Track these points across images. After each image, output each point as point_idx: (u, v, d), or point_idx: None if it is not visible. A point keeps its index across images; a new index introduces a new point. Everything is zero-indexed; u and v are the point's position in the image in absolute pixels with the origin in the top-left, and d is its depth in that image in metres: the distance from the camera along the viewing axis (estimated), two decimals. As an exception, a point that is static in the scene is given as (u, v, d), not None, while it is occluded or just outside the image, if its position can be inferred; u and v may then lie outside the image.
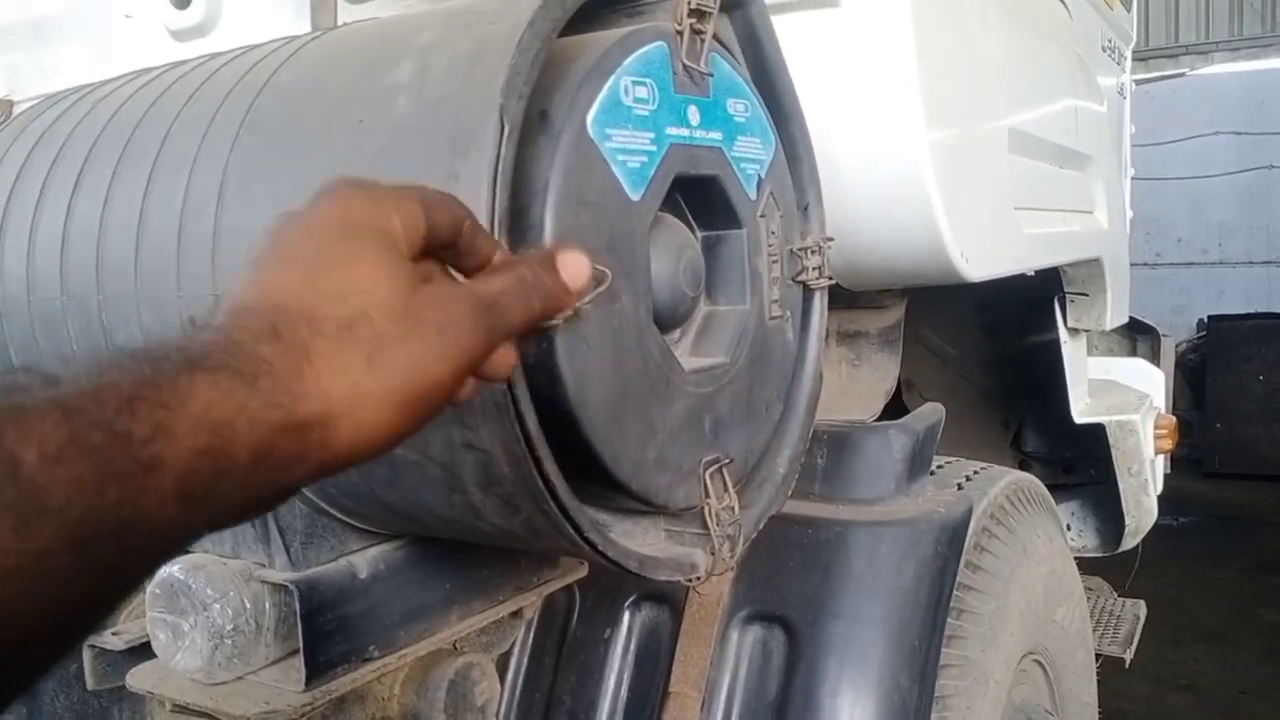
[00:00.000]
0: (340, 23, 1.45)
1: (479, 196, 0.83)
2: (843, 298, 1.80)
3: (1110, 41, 3.22)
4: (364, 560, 1.18)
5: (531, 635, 1.72)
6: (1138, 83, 3.96)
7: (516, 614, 1.41)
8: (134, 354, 0.50)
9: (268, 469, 0.52)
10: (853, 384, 1.99)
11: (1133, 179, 3.76)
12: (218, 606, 1.13)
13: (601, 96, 0.93)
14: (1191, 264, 11.15)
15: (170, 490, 0.47)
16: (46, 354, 1.23)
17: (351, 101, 0.96)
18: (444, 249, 0.66)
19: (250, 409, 0.50)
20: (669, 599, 1.64)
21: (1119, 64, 3.39)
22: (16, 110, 2.20)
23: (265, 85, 1.04)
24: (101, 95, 1.28)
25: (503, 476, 0.92)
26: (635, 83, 0.96)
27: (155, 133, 1.12)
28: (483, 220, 0.83)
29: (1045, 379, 2.90)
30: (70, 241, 1.16)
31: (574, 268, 0.69)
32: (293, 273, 0.57)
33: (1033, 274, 2.20)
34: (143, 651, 1.21)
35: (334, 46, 1.07)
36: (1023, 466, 3.20)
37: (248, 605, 1.14)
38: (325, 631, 1.12)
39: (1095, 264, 2.54)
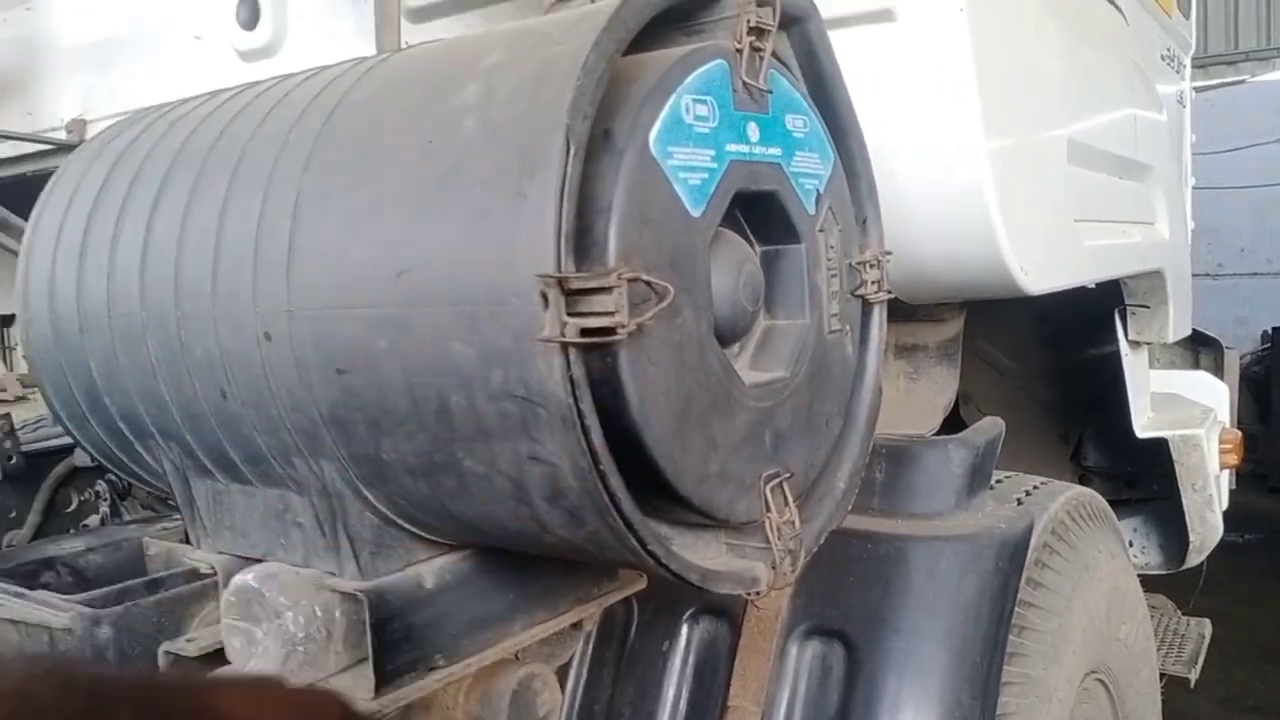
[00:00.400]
0: (404, 43, 1.49)
1: (546, 214, 0.85)
2: (901, 311, 1.80)
3: (1169, 49, 3.17)
4: (430, 570, 1.20)
5: (590, 647, 1.73)
6: (1197, 90, 3.90)
7: (577, 625, 1.42)
8: None
9: None
10: (911, 397, 1.98)
11: (1194, 188, 3.69)
12: (290, 614, 1.15)
13: (663, 115, 0.94)
14: (1255, 274, 10.89)
15: None
16: (126, 369, 1.27)
17: (421, 122, 0.98)
18: None
19: None
20: (727, 613, 1.65)
21: (1178, 72, 3.34)
22: (90, 129, 2.28)
23: (337, 106, 1.07)
24: (178, 115, 1.32)
25: (568, 489, 0.93)
26: (696, 101, 0.98)
27: (231, 152, 1.15)
28: (549, 237, 0.85)
29: (1106, 392, 2.86)
30: (149, 259, 1.20)
31: None
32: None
33: (1093, 286, 2.17)
34: (216, 658, 1.24)
35: (403, 68, 1.09)
36: (1082, 481, 3.15)
37: (319, 614, 1.16)
38: (393, 640, 1.14)
39: (1156, 275, 2.50)
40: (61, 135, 2.28)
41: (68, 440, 2.52)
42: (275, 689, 0.63)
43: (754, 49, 1.03)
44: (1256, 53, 11.50)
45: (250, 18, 1.87)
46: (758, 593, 1.12)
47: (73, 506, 2.59)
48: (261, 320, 1.07)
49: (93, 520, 2.61)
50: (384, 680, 1.12)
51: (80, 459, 2.54)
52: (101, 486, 2.61)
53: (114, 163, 1.35)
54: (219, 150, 1.19)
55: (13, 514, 2.48)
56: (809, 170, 1.13)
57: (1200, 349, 3.59)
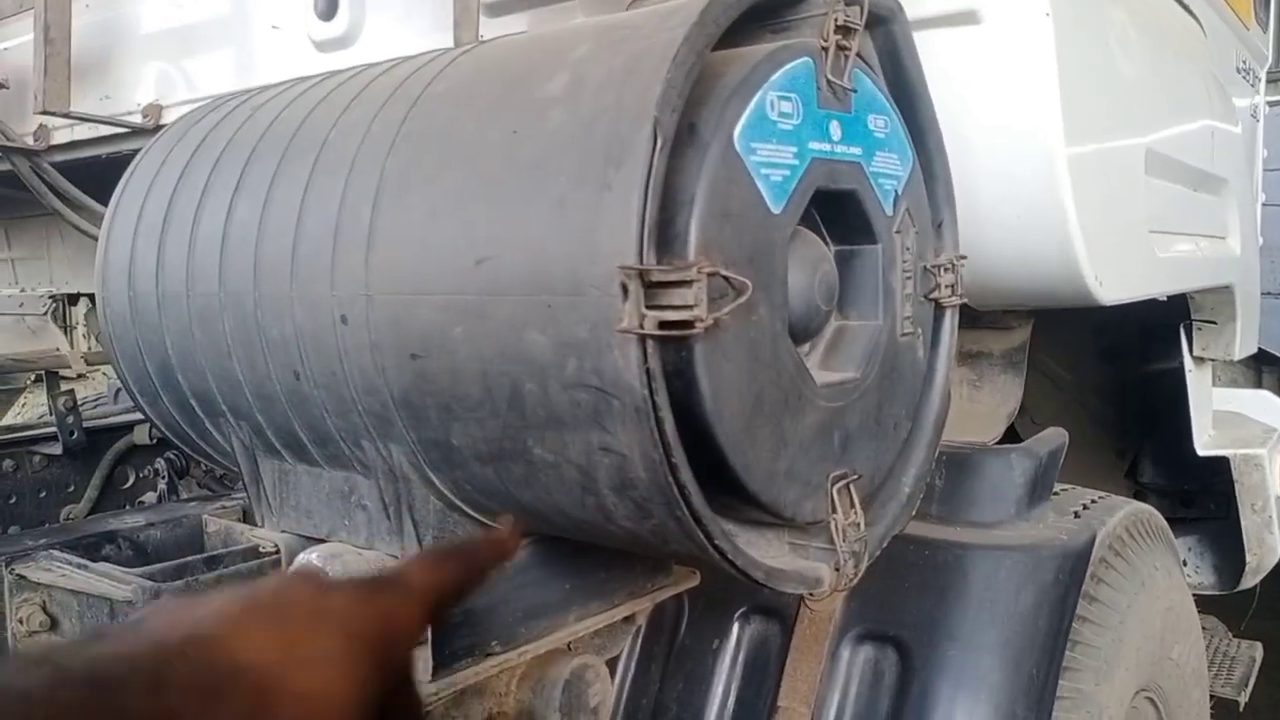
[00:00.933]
0: (481, 36, 1.50)
1: (630, 206, 0.85)
2: (967, 317, 1.78)
3: (1245, 62, 3.11)
4: (490, 557, 1.21)
5: (640, 641, 1.74)
6: (1270, 105, 3.81)
7: (629, 619, 1.42)
8: (24, 664, 0.45)
9: None
10: (973, 405, 1.96)
11: (1264, 205, 3.61)
12: (352, 595, 1.17)
13: (748, 111, 0.94)
14: (1320, 294, 10.65)
15: None
16: (201, 347, 1.29)
17: (505, 112, 0.99)
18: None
19: None
20: (779, 613, 1.64)
21: (1253, 85, 3.27)
22: (165, 115, 2.33)
23: (421, 95, 1.08)
24: (261, 102, 1.34)
25: (638, 480, 0.93)
26: (781, 98, 0.98)
27: (314, 138, 1.17)
28: (632, 229, 0.86)
29: (1165, 408, 2.81)
30: (230, 240, 1.22)
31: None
32: (274, 639, 0.52)
33: (1163, 299, 2.14)
34: (275, 635, 1.26)
35: (488, 59, 1.10)
36: (1138, 497, 3.10)
37: (380, 595, 1.18)
38: (452, 625, 1.15)
39: (1226, 291, 2.45)
40: (137, 119, 2.33)
41: (127, 417, 2.59)
42: (294, 605, 0.54)
43: (840, 48, 1.02)
44: (1329, 68, 11.24)
45: (329, 8, 1.89)
46: (819, 594, 1.12)
47: (130, 483, 2.64)
48: (339, 303, 1.09)
49: (149, 497, 2.66)
50: (441, 664, 1.13)
51: (140, 436, 2.60)
52: (160, 464, 2.67)
53: (196, 146, 1.38)
54: (301, 136, 1.21)
55: (71, 488, 2.54)
56: (888, 171, 1.12)
57: (1264, 368, 3.53)
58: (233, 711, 0.48)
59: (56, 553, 1.46)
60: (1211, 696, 2.69)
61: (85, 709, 0.43)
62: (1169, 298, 2.24)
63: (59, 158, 2.52)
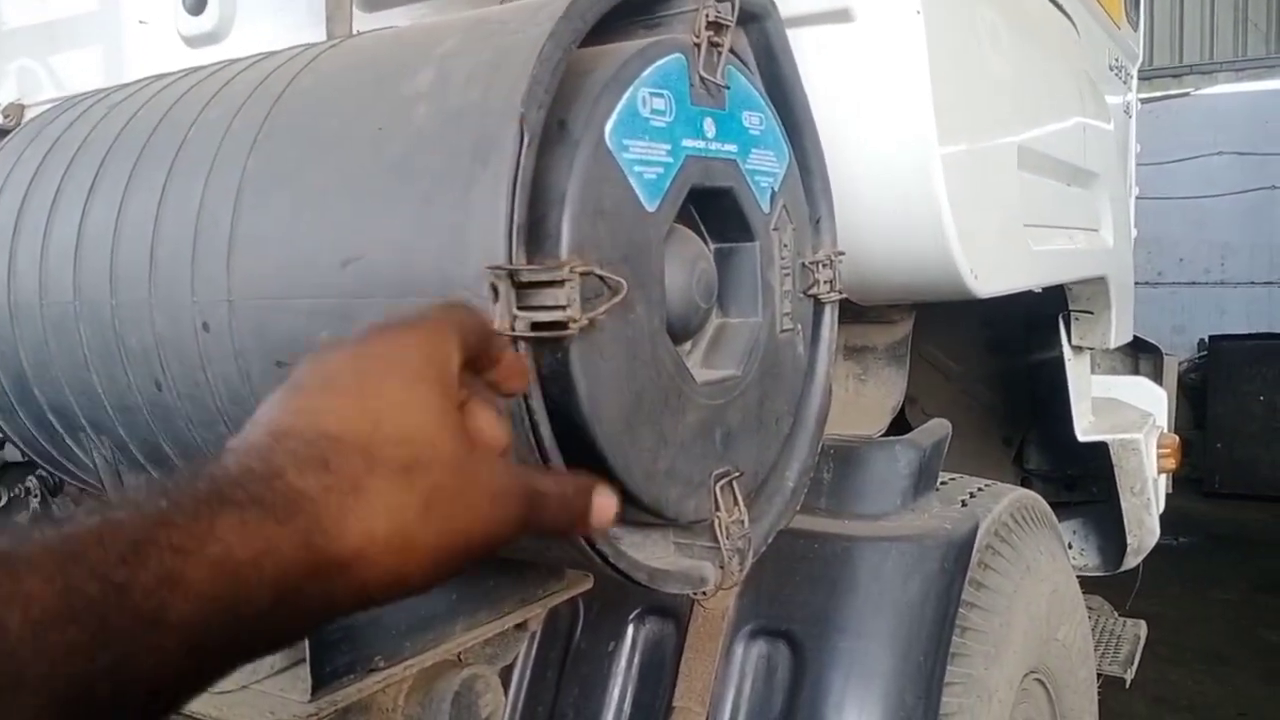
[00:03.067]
0: (355, 31, 1.46)
1: (498, 204, 0.83)
2: (849, 312, 1.80)
3: (1117, 60, 3.23)
4: (372, 569, 1.17)
5: (535, 648, 1.71)
6: (1142, 102, 3.97)
7: (521, 626, 1.40)
8: (154, 484, 0.46)
9: (289, 613, 0.47)
10: (859, 399, 1.99)
11: (1137, 198, 3.76)
12: (224, 613, 1.12)
13: (620, 107, 0.93)
14: (1193, 283, 11.17)
15: (175, 645, 0.42)
16: (57, 358, 1.23)
17: (371, 109, 0.96)
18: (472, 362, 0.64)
19: (280, 550, 0.46)
20: (673, 613, 1.64)
21: (1125, 83, 3.40)
22: (28, 114, 2.21)
23: (284, 92, 1.04)
24: (117, 100, 1.28)
25: (515, 486, 0.91)
26: (653, 94, 0.97)
27: (172, 138, 1.12)
28: (500, 228, 0.84)
29: (1048, 396, 2.90)
30: (84, 246, 1.16)
31: (604, 509, 0.66)
32: (348, 404, 0.53)
33: (1039, 291, 2.20)
34: (147, 657, 1.21)
35: (353, 54, 1.07)
36: (1024, 484, 3.20)
37: (254, 612, 1.13)
38: (331, 641, 1.11)
39: (1100, 282, 2.54)
40: (-3, 119, 2.21)
41: (-4, 434, 2.46)
42: (341, 375, 0.56)
43: (712, 44, 1.02)
44: (1200, 66, 11.79)
45: (197, 3, 1.82)
46: (705, 593, 1.11)
47: (2, 502, 2.51)
48: (200, 310, 1.04)
49: (22, 517, 2.53)
50: (321, 682, 1.09)
51: (10, 454, 2.47)
52: (32, 482, 2.54)
53: (49, 148, 1.31)
54: (159, 136, 1.15)
55: (-62, 510, 2.40)
56: (764, 168, 1.12)
57: (1140, 355, 3.67)
58: (350, 474, 0.50)
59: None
60: (1099, 674, 2.78)
61: (221, 500, 0.45)
62: (1046, 289, 2.30)
63: (-88, 160, 2.38)
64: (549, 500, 0.62)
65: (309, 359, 0.58)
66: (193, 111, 1.13)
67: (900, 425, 2.18)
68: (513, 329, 0.84)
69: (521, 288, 0.84)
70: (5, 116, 2.23)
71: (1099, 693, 2.55)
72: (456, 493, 0.54)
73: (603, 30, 0.96)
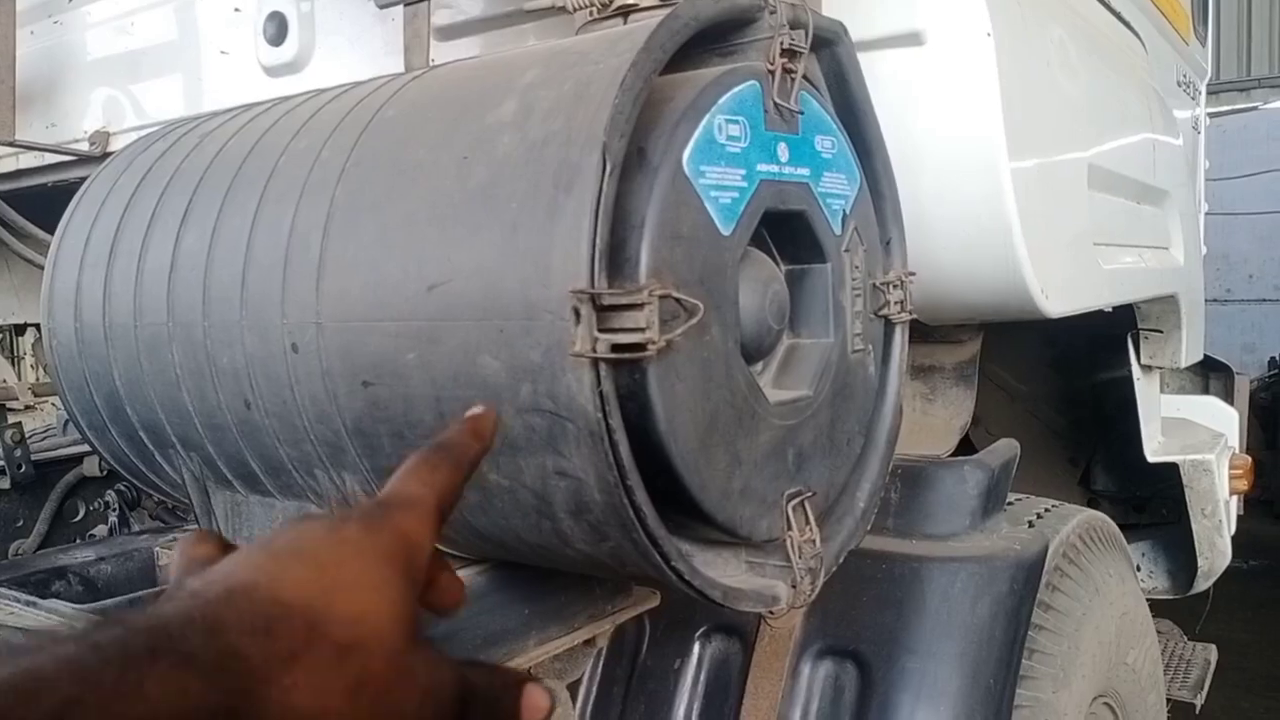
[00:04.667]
0: (431, 60, 1.50)
1: (580, 230, 0.86)
2: (918, 331, 1.81)
3: (1184, 75, 3.19)
4: (448, 584, 1.20)
5: (601, 664, 1.73)
6: (1210, 116, 3.91)
7: (589, 642, 1.42)
8: (88, 627, 0.46)
9: None
10: (927, 419, 1.99)
11: (1205, 214, 3.70)
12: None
13: (697, 134, 0.95)
14: (1263, 300, 10.89)
15: None
16: (150, 378, 1.27)
17: (455, 137, 0.99)
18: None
19: (203, 709, 0.45)
20: (739, 631, 1.65)
21: (1193, 98, 3.35)
22: (113, 142, 2.30)
23: (371, 121, 1.08)
24: (209, 129, 1.33)
25: (593, 504, 0.93)
26: (729, 121, 0.99)
27: (263, 165, 1.16)
28: (583, 253, 0.86)
29: (1115, 416, 2.86)
30: (178, 269, 1.21)
31: (535, 707, 0.64)
32: (308, 574, 0.53)
33: (1109, 310, 2.18)
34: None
35: (437, 85, 1.10)
36: (1091, 505, 3.15)
37: (336, 625, 1.16)
38: (410, 653, 1.14)
39: (1170, 300, 2.51)
40: (84, 147, 2.30)
41: (76, 450, 2.54)
42: (314, 545, 0.55)
43: (786, 70, 1.04)
44: (1269, 79, 11.54)
45: (278, 33, 1.88)
46: (776, 612, 1.12)
47: (80, 516, 2.59)
48: (289, 331, 1.08)
49: (100, 530, 2.61)
50: (400, 694, 1.12)
51: (89, 468, 2.54)
52: (110, 496, 2.62)
53: (143, 174, 1.36)
54: (250, 163, 1.20)
55: (20, 523, 2.48)
56: (836, 191, 1.13)
57: (1210, 374, 3.60)
58: (289, 642, 0.49)
59: (4, 589, 1.43)
60: (1168, 700, 2.73)
61: (153, 655, 0.45)
62: (1115, 308, 2.28)
63: (4, 187, 2.48)
64: (479, 697, 0.61)
65: (290, 523, 0.59)
66: (283, 140, 1.17)
67: (964, 446, 2.16)
68: (594, 350, 0.86)
69: (603, 310, 0.87)
70: (91, 144, 2.32)
71: (1168, 718, 2.50)
72: (389, 683, 0.53)
73: (680, 59, 0.99)
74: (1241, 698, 4.93)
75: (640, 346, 0.87)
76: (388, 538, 0.58)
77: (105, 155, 2.14)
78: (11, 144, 2.16)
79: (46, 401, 3.08)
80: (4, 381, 3.22)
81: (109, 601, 1.37)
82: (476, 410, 0.75)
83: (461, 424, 0.74)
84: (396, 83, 1.14)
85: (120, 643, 0.45)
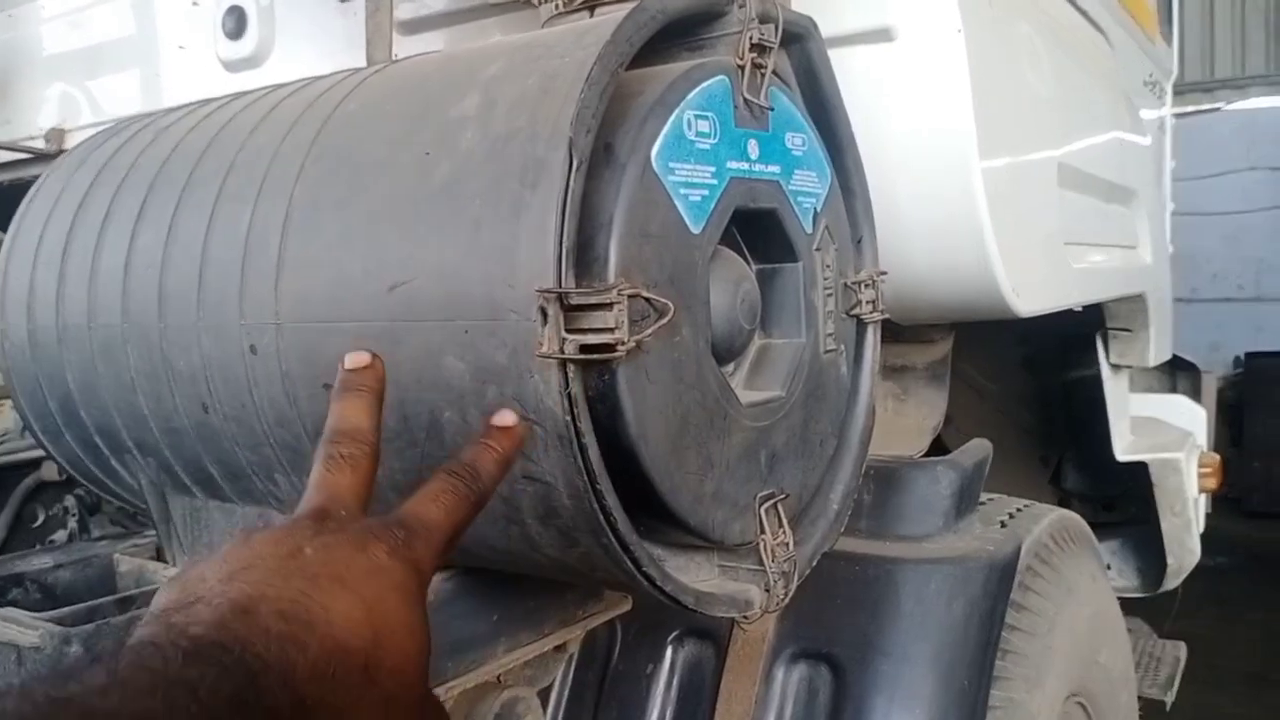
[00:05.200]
0: (395, 55, 1.47)
1: (547, 228, 0.83)
2: (889, 331, 1.79)
3: (1151, 75, 3.21)
4: (414, 590, 1.17)
5: (573, 670, 1.71)
6: (1175, 117, 3.94)
7: (560, 648, 1.39)
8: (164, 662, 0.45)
9: None
10: (899, 419, 1.98)
11: (1173, 214, 3.73)
12: (269, 635, 1.12)
13: (665, 130, 0.93)
14: (1228, 300, 11.02)
15: None
16: (105, 381, 1.24)
17: (418, 133, 0.96)
18: None
19: None
20: (712, 635, 1.63)
21: (1160, 98, 3.38)
22: (69, 139, 2.25)
23: (331, 116, 1.05)
24: (164, 125, 1.30)
25: (562, 509, 0.91)
26: (698, 117, 0.97)
27: (220, 162, 1.13)
28: (550, 251, 0.84)
29: (1086, 415, 2.87)
30: (133, 269, 1.18)
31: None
32: (358, 614, 0.53)
33: (1078, 309, 2.18)
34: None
35: (399, 79, 1.08)
36: (1062, 504, 3.16)
37: (298, 634, 1.13)
38: (374, 662, 1.11)
39: (1139, 300, 2.52)
40: (40, 144, 2.25)
41: (35, 454, 2.48)
42: (352, 566, 0.54)
43: (755, 66, 1.02)
44: (1232, 81, 11.69)
45: (236, 27, 1.84)
46: (750, 616, 1.11)
47: (39, 521, 2.53)
48: (247, 332, 1.05)
49: (60, 536, 2.55)
50: (366, 703, 1.09)
51: (48, 473, 2.49)
52: (70, 501, 2.56)
53: (98, 172, 1.32)
54: (207, 160, 1.17)
55: (-23, 528, 2.42)
56: (807, 189, 1.12)
57: (1178, 373, 3.62)
58: (348, 694, 0.48)
59: (-40, 599, 1.39)
60: (1139, 697, 2.74)
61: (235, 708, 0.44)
62: (1085, 307, 2.28)
63: (-42, 185, 2.42)
64: None
65: (306, 525, 0.57)
66: (240, 136, 1.14)
67: (937, 446, 2.16)
68: (562, 351, 0.84)
69: (570, 310, 0.84)
70: (47, 141, 2.27)
71: (1140, 715, 2.51)
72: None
73: (647, 54, 0.97)
74: (1211, 694, 4.97)
75: (609, 347, 0.85)
76: (413, 572, 0.57)
77: (61, 152, 2.09)
78: (-35, 142, 2.10)
79: (3, 405, 3.01)
80: (-40, 385, 3.15)
81: (65, 610, 1.33)
82: (505, 420, 0.73)
83: (489, 437, 0.72)
84: (357, 77, 1.11)
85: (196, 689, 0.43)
